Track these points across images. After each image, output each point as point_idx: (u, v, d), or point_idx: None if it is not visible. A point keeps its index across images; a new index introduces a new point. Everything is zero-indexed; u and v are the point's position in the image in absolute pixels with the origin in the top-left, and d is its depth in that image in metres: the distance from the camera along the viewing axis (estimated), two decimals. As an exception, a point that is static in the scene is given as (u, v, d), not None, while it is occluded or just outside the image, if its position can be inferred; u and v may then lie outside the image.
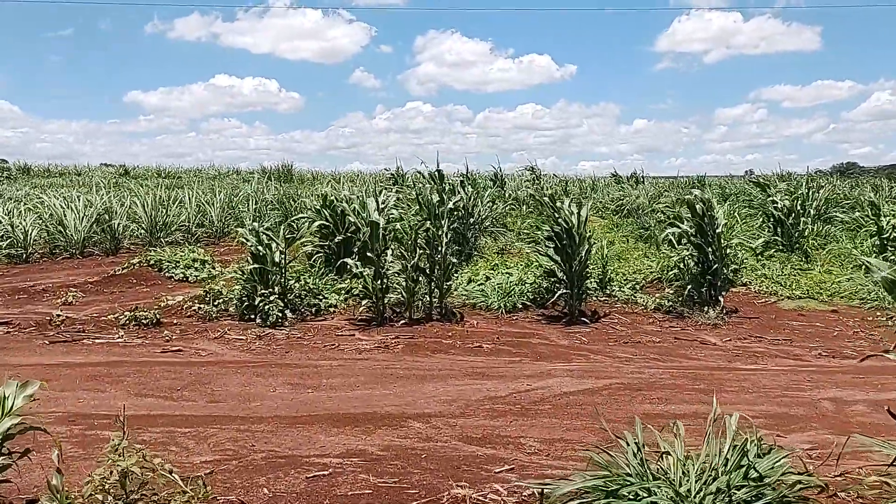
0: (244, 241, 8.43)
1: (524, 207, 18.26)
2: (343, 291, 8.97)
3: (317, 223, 9.20)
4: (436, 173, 10.64)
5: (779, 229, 12.27)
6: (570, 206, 8.69)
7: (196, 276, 10.46)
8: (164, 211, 14.26)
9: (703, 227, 8.93)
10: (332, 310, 8.78)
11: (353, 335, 7.73)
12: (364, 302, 8.34)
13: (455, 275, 8.95)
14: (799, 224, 12.30)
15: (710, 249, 8.84)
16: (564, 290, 8.59)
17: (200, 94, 66.33)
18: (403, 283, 8.25)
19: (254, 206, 16.07)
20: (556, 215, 8.58)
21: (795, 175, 30.61)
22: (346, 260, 8.28)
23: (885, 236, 10.98)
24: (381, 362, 6.69)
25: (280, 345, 7.28)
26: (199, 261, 10.91)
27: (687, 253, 9.33)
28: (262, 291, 8.03)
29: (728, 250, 9.17)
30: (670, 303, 9.13)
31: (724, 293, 8.98)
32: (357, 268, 8.12)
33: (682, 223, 9.22)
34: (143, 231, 13.95)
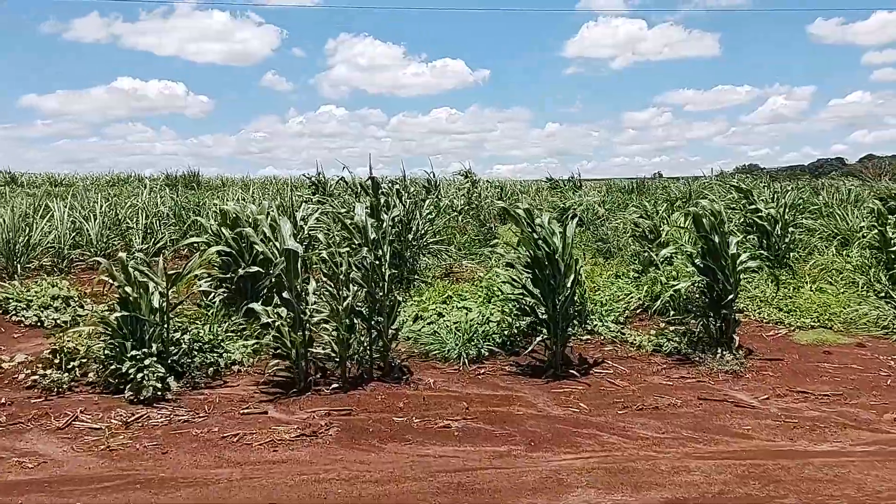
0: (109, 279, 6.04)
1: (461, 218, 16.26)
2: (251, 342, 6.69)
3: (213, 249, 6.92)
4: (369, 182, 8.51)
5: (764, 241, 10.65)
6: (549, 223, 6.68)
7: (55, 320, 7.93)
8: (28, 230, 11.52)
9: (712, 248, 7.09)
10: (235, 368, 6.49)
11: (266, 413, 5.48)
12: (280, 361, 6.10)
13: (399, 312, 6.80)
14: (787, 235, 10.72)
15: (721, 276, 7.01)
16: (546, 335, 6.58)
17: (102, 97, 61.81)
18: (334, 333, 6.05)
19: (145, 222, 13.43)
20: (534, 235, 6.56)
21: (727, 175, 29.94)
22: (252, 305, 6.01)
23: (893, 250, 9.46)
24: (307, 467, 4.48)
25: (156, 437, 4.96)
26: (62, 298, 8.37)
27: (687, 282, 7.49)
28: (134, 353, 5.67)
29: (741, 275, 7.36)
30: (672, 343, 7.25)
31: (737, 329, 7.17)
32: (268, 315, 5.87)
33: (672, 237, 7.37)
34: (-2, 256, 11.17)
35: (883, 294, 9.22)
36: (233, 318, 7.13)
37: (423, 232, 11.06)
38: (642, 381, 6.41)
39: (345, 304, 6.03)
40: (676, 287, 7.51)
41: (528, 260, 6.69)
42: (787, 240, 10.85)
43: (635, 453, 4.73)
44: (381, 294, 6.30)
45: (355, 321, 6.27)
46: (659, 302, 8.39)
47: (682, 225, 11.59)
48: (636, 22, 65.17)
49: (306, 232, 8.64)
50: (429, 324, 7.63)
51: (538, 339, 6.51)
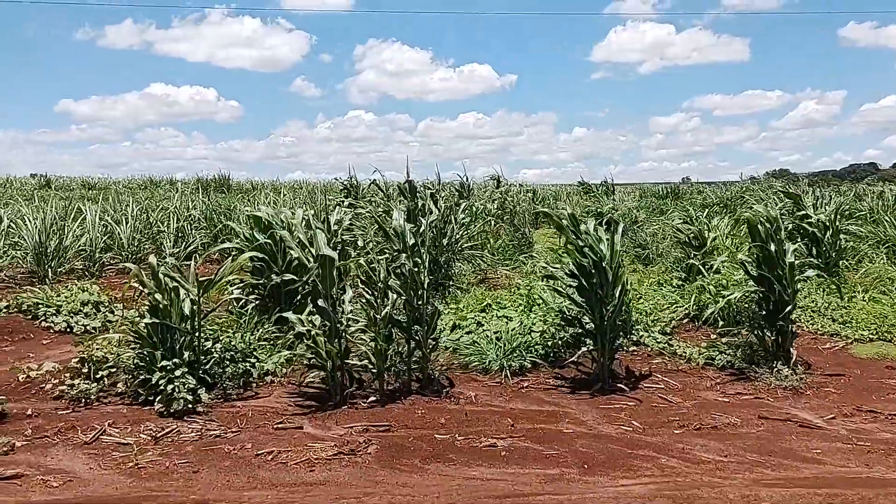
0: (139, 285, 5.82)
1: (494, 223, 15.93)
2: (284, 351, 6.44)
3: (247, 255, 6.67)
4: (406, 185, 8.24)
5: (813, 249, 10.19)
6: (595, 230, 6.35)
7: (85, 326, 7.76)
8: (60, 232, 11.42)
9: (768, 256, 6.69)
10: (268, 378, 6.24)
11: (301, 428, 5.21)
12: (315, 371, 5.84)
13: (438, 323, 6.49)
14: (837, 242, 10.24)
15: (777, 286, 6.61)
16: (592, 346, 6.23)
17: (135, 102, 62.61)
18: (371, 344, 5.77)
19: (176, 225, 13.31)
20: (580, 243, 6.22)
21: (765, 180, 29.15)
22: (287, 314, 5.74)
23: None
24: (346, 490, 4.20)
25: (187, 454, 4.71)
26: (92, 303, 8.21)
27: (740, 292, 7.09)
28: (164, 363, 5.44)
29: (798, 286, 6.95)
30: (725, 356, 6.87)
31: (794, 342, 6.76)
32: (303, 324, 5.60)
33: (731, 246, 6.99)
34: (30, 259, 11.07)
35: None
36: (265, 326, 6.88)
37: (457, 237, 10.76)
38: (696, 397, 6.05)
39: (383, 313, 5.75)
40: (728, 297, 7.12)
41: (573, 268, 6.36)
42: (837, 247, 10.37)
43: (698, 479, 4.37)
44: (419, 303, 6.00)
45: (393, 331, 5.98)
46: (708, 312, 8.00)
47: (727, 231, 11.19)
48: (664, 27, 64.53)
49: (339, 236, 8.40)
50: (467, 333, 7.32)
51: (582, 349, 6.16)
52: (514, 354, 6.65)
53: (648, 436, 5.14)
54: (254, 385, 6.09)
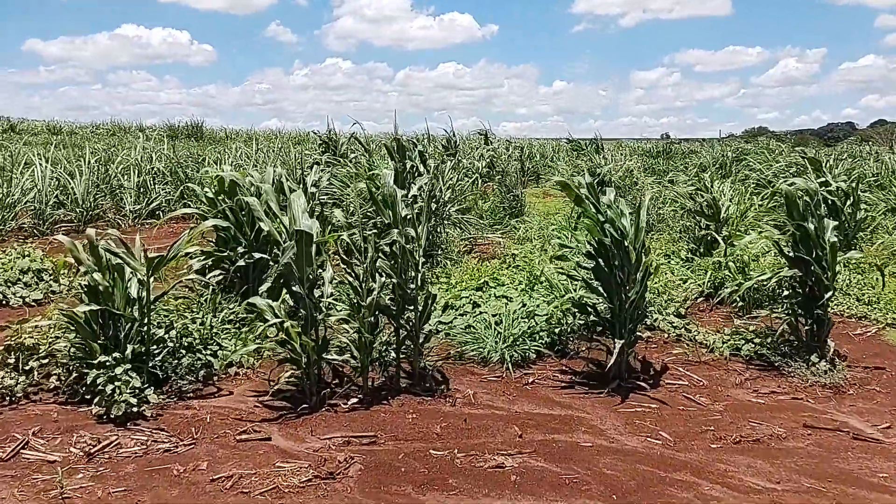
0: (73, 258, 4.86)
1: (481, 183, 14.99)
2: (252, 338, 5.53)
3: (207, 224, 5.72)
4: (394, 144, 7.25)
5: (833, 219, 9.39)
6: (617, 203, 5.47)
7: (24, 299, 6.80)
8: (6, 185, 10.31)
9: (806, 235, 5.88)
10: (234, 371, 5.36)
11: (269, 439, 4.34)
12: (288, 366, 4.96)
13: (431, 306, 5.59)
14: (857, 212, 9.48)
15: (816, 269, 5.81)
16: (616, 341, 5.40)
17: (105, 43, 60.15)
18: (355, 336, 4.89)
19: (138, 179, 12.20)
20: (600, 217, 5.34)
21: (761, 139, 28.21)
22: (254, 300, 4.81)
23: None
24: (323, 535, 3.36)
25: (126, 477, 3.83)
26: (34, 271, 7.21)
27: (770, 273, 6.28)
28: (103, 359, 4.52)
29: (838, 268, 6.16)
30: (752, 346, 6.10)
31: (830, 332, 6.00)
32: (274, 313, 4.69)
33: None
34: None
35: (978, 285, 8.02)
36: (231, 307, 5.96)
37: (444, 200, 9.84)
38: (726, 397, 5.27)
39: (369, 299, 4.85)
40: (759, 278, 6.30)
41: (591, 247, 5.49)
42: (856, 218, 9.62)
43: (754, 518, 3.60)
44: (413, 286, 5.12)
45: (380, 318, 5.11)
46: (727, 291, 7.23)
47: (733, 199, 10.38)
48: (647, -22, 62.60)
49: (317, 199, 7.44)
50: (461, 315, 6.47)
51: (614, 352, 5.32)
52: (517, 343, 5.81)
53: (682, 452, 4.34)
54: (215, 379, 5.20)
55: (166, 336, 5.06)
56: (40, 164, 10.97)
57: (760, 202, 11.98)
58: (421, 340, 5.19)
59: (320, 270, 5.10)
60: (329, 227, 6.31)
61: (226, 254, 6.14)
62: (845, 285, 8.03)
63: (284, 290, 4.87)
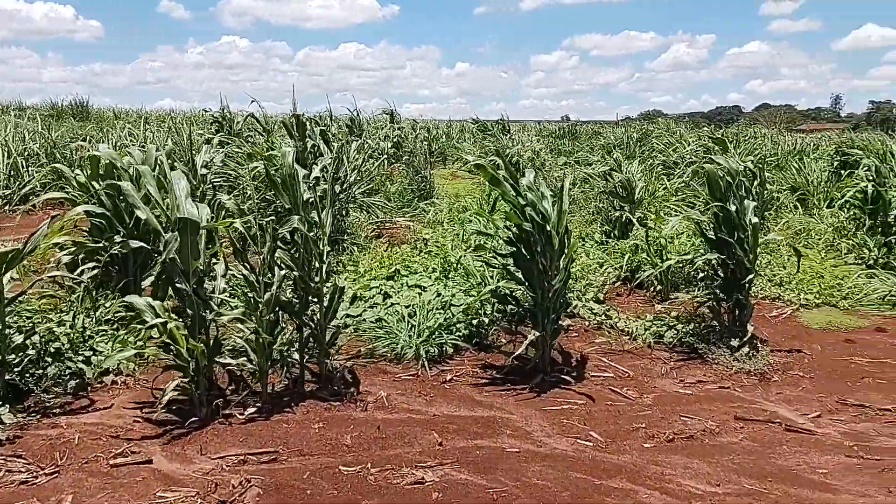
0: None
1: (387, 164, 14.42)
2: (133, 340, 4.85)
3: (77, 211, 4.98)
4: (293, 121, 6.63)
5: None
6: (538, 186, 5.08)
7: None
8: None
9: (728, 217, 5.68)
10: (111, 380, 4.68)
11: (150, 462, 3.73)
12: (174, 373, 4.33)
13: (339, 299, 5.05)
14: (763, 192, 9.54)
15: (738, 251, 5.63)
16: (534, 332, 5.03)
17: (-25, 15, 55.37)
18: (252, 337, 4.32)
19: (7, 161, 11.00)
20: (521, 201, 4.94)
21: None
22: (130, 299, 4.15)
23: (893, 213, 8.38)
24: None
25: (-31, 521, 3.18)
26: None
27: (693, 255, 6.08)
28: (-57, 375, 3.79)
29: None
30: (674, 332, 5.89)
31: (751, 316, 5.85)
32: (154, 312, 4.05)
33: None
34: None
35: (880, 263, 8.17)
36: (109, 305, 5.24)
37: (350, 182, 9.27)
38: (653, 389, 5.00)
39: (267, 294, 4.29)
40: (682, 258, 6.08)
41: (511, 234, 5.10)
42: (763, 198, 9.68)
43: (699, 528, 3.29)
44: (317, 279, 4.58)
45: (280, 315, 4.54)
46: (646, 274, 7.03)
47: (643, 178, 10.28)
48: (547, -39, 63.21)
49: (209, 183, 6.75)
50: (371, 307, 5.97)
51: (527, 338, 4.93)
52: (433, 337, 5.37)
53: (615, 454, 4.02)
54: (89, 390, 4.52)
55: (28, 342, 4.33)
56: None
57: (668, 183, 12.01)
58: (327, 339, 4.67)
59: (212, 263, 4.50)
60: (223, 214, 5.68)
61: (101, 244, 5.39)
62: (759, 267, 8.00)
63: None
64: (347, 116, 14.85)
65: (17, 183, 10.84)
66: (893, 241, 8.37)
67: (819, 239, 9.40)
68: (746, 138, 15.54)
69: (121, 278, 5.48)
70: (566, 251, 4.98)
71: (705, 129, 22.69)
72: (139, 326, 4.43)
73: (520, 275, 5.13)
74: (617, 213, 8.57)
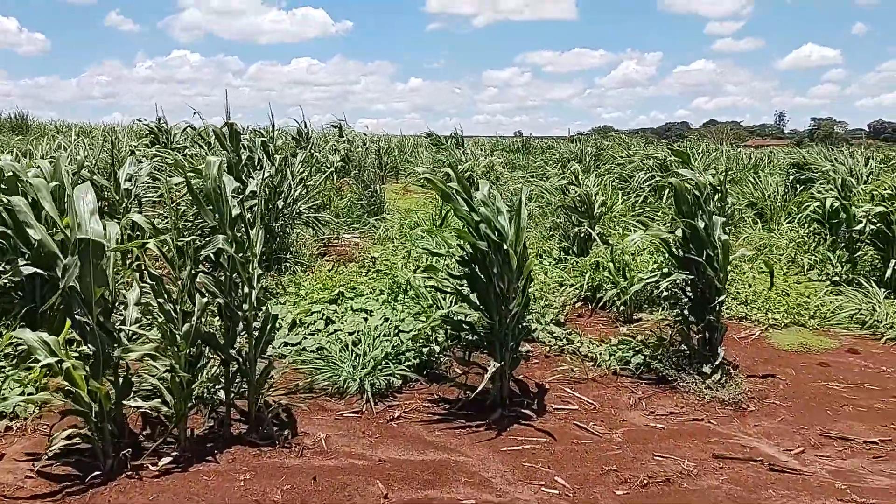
0: None
1: (336, 178, 13.86)
2: (32, 379, 4.21)
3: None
4: (224, 130, 6.07)
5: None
6: (494, 200, 4.62)
7: None
8: None
9: (696, 233, 5.31)
10: (2, 427, 4.04)
11: (37, 532, 3.13)
12: (75, 418, 3.72)
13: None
14: (725, 206, 9.23)
15: (708, 270, 5.25)
16: (493, 362, 4.54)
17: None
18: (167, 376, 3.74)
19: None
20: (475, 217, 4.47)
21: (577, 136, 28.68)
22: (19, 333, 3.53)
23: (856, 228, 8.16)
24: None
25: None
26: None
27: (658, 277, 5.68)
28: None
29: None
30: (640, 357, 5.47)
31: (722, 339, 5.47)
32: (47, 351, 3.44)
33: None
34: None
35: (844, 280, 7.92)
36: (6, 335, 4.59)
37: (295, 196, 8.70)
38: (622, 423, 4.56)
39: (185, 326, 3.72)
40: (648, 280, 5.67)
41: (465, 253, 4.62)
42: (726, 213, 9.38)
43: None
44: (246, 307, 4.02)
45: (203, 349, 3.97)
46: (609, 294, 6.63)
47: (606, 194, 9.94)
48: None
49: (134, 199, 6.13)
50: (312, 334, 5.42)
51: (490, 371, 4.43)
52: (379, 368, 4.85)
53: (581, 501, 3.55)
54: (-26, 440, 3.88)
55: None
56: None
57: (624, 198, 11.71)
58: (258, 374, 4.10)
59: (123, 289, 3.91)
60: (145, 234, 5.08)
61: (1, 267, 4.74)
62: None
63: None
64: (295, 129, 14.25)
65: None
66: (857, 256, 8.14)
67: (780, 255, 9.15)
68: (700, 153, 15.38)
69: (24, 305, 4.83)
70: (525, 272, 4.52)
71: (662, 143, 22.68)
72: (33, 365, 3.82)
73: (474, 297, 4.65)
74: (575, 229, 8.17)
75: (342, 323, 5.43)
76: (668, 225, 7.66)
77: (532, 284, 6.70)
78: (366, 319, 5.47)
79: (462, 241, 4.58)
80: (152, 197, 7.72)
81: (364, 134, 19.26)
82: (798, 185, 12.63)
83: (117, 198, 5.94)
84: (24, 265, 4.43)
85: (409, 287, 6.02)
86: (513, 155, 21.18)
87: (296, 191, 8.73)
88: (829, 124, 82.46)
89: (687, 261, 5.38)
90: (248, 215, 4.12)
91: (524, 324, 4.69)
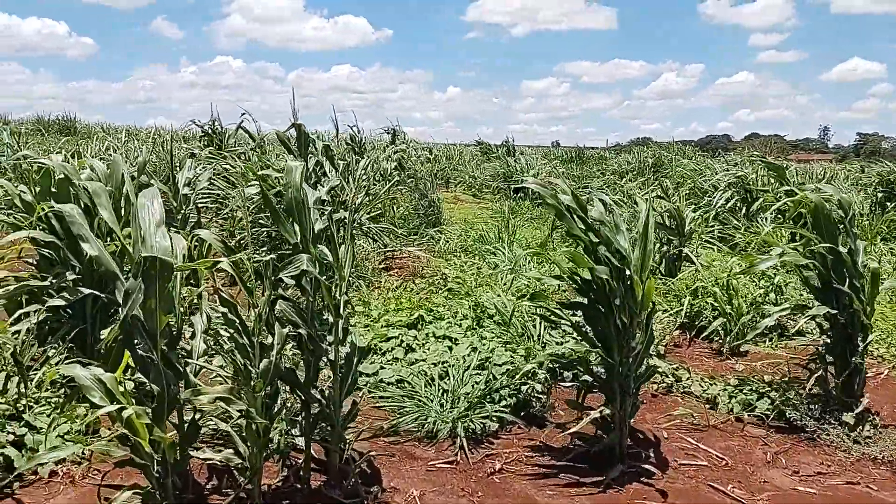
0: None
1: (388, 184, 13.28)
2: (80, 418, 3.64)
3: (18, 235, 3.83)
4: (290, 134, 5.48)
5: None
6: (613, 218, 3.94)
7: None
8: None
9: (839, 260, 4.57)
10: (47, 471, 3.47)
11: None
12: (133, 470, 3.13)
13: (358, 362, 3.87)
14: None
15: (855, 302, 4.50)
16: (606, 410, 3.86)
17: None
18: (242, 422, 3.14)
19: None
20: (593, 238, 3.80)
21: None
22: (70, 371, 2.97)
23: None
24: None
25: None
26: None
27: (795, 311, 4.94)
28: None
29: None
30: (766, 401, 4.73)
31: (864, 383, 4.71)
32: (106, 388, 2.86)
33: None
34: None
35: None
36: (54, 360, 4.04)
37: (356, 206, 8.12)
38: (763, 484, 3.84)
39: (263, 363, 3.11)
40: (781, 313, 4.92)
41: (580, 278, 3.94)
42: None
43: None
44: (331, 339, 3.40)
45: (279, 388, 3.36)
46: (715, 324, 5.90)
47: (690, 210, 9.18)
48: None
49: (193, 204, 5.59)
50: (389, 362, 4.80)
51: (593, 412, 3.74)
52: (473, 408, 4.19)
53: None
54: (15, 488, 3.30)
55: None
56: None
57: (695, 213, 10.92)
58: (341, 419, 3.48)
59: (187, 314, 3.33)
60: (207, 247, 4.52)
61: (49, 283, 4.19)
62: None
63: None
64: (347, 134, 13.70)
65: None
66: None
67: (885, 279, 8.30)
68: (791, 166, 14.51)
69: (74, 325, 4.28)
70: (649, 303, 3.84)
71: (708, 155, 21.71)
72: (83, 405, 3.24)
73: (589, 332, 3.97)
74: (664, 248, 7.44)
75: (424, 351, 4.80)
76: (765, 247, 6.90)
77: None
78: (450, 348, 4.83)
79: (573, 265, 3.90)
80: (207, 203, 7.19)
81: (413, 140, 18.71)
82: (889, 202, 11.74)
83: (175, 204, 5.41)
84: (74, 278, 3.87)
85: (493, 310, 5.37)
86: (566, 165, 20.47)
87: (357, 199, 8.16)
88: (877, 140, 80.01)
89: (828, 291, 4.64)
90: (334, 229, 3.51)
91: (648, 365, 3.99)
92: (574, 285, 3.92)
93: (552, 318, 4.20)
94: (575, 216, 3.90)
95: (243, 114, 10.89)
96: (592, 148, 31.94)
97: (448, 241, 9.89)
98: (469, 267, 7.63)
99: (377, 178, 11.89)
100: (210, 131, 10.78)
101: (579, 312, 4.03)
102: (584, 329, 3.98)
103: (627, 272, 3.76)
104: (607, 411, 3.71)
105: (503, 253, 8.08)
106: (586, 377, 4.02)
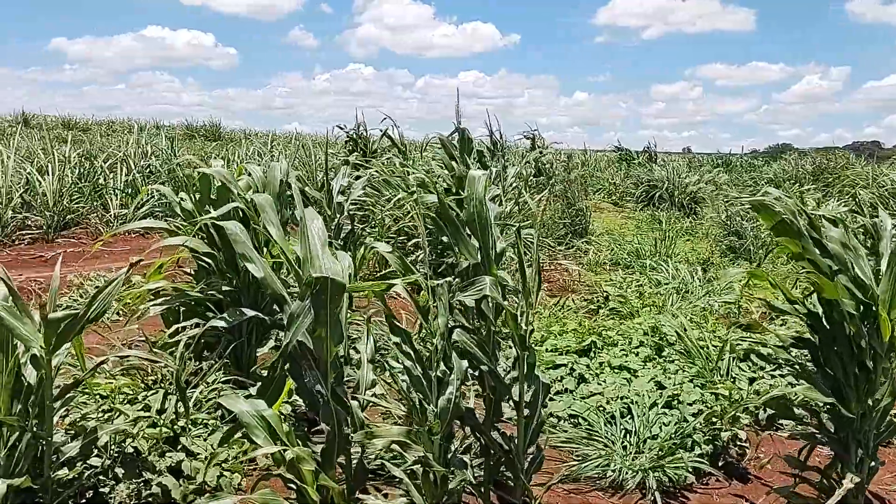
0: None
1: (538, 192, 12.78)
2: (238, 446, 3.37)
3: (174, 240, 3.63)
4: (457, 137, 5.10)
5: None
6: (852, 239, 3.27)
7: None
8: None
9: None
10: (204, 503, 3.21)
11: None
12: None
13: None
14: None
15: None
16: (842, 465, 3.18)
17: (129, 44, 58.92)
18: (417, 468, 2.72)
19: (126, 178, 10.14)
20: (830, 264, 3.14)
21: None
22: (232, 404, 2.65)
23: None
24: None
25: None
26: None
27: None
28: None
29: None
30: None
31: None
32: (269, 427, 2.52)
33: None
34: None
35: None
36: (210, 378, 3.81)
37: (506, 215, 7.67)
38: None
39: (442, 401, 2.68)
40: None
41: (807, 311, 3.29)
42: None
43: None
44: (514, 374, 2.94)
45: (454, 431, 2.93)
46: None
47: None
48: (670, -10, 60.71)
49: (346, 214, 5.31)
50: (560, 393, 4.29)
51: (845, 485, 3.07)
52: (664, 456, 3.61)
53: None
54: (170, 519, 3.05)
55: (84, 451, 2.90)
56: (4, 157, 8.91)
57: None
58: (527, 469, 3.00)
59: (350, 342, 2.97)
60: (360, 262, 4.19)
61: (206, 294, 3.97)
62: None
63: (293, 381, 2.70)
64: (487, 139, 13.33)
65: (136, 201, 9.91)
66: None
67: None
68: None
69: (230, 340, 4.04)
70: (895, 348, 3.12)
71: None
72: (245, 442, 2.93)
73: (816, 375, 3.30)
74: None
75: (599, 383, 4.25)
76: None
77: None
78: (628, 380, 4.26)
79: (804, 294, 3.25)
80: (356, 212, 6.95)
81: (552, 144, 18.10)
82: None
83: (329, 213, 5.15)
84: (228, 289, 3.62)
85: (673, 338, 4.75)
86: (712, 172, 19.22)
87: (507, 207, 7.72)
88: None
89: None
90: (522, 247, 3.04)
91: (889, 418, 3.28)
92: (803, 319, 3.26)
93: (760, 353, 3.55)
94: (809, 236, 3.24)
95: (384, 118, 10.70)
96: (733, 154, 30.20)
97: (598, 253, 9.28)
98: (628, 283, 7.00)
99: (541, 186, 11.48)
100: (355, 136, 10.69)
101: (793, 350, 3.36)
102: (808, 371, 3.31)
103: (875, 307, 3.08)
104: (850, 479, 3.02)
105: (665, 268, 7.39)
106: (812, 430, 3.34)
